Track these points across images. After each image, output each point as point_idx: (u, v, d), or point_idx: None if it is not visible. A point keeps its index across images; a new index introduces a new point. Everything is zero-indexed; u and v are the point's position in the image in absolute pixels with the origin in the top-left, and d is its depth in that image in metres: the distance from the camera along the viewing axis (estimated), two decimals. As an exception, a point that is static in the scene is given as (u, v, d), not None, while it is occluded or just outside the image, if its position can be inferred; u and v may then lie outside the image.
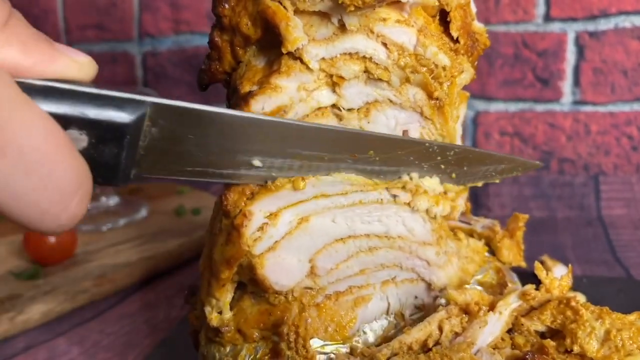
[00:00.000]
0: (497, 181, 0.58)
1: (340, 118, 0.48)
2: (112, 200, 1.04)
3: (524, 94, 1.06)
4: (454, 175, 0.53)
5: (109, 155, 0.36)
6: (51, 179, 0.31)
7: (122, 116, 0.35)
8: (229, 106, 0.49)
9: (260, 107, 0.45)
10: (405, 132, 0.51)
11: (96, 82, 0.37)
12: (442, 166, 0.52)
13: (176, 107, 0.39)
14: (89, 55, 0.36)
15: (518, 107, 1.06)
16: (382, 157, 0.48)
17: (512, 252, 0.64)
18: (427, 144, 0.50)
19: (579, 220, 1.00)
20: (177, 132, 0.40)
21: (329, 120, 0.48)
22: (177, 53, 1.23)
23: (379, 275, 0.53)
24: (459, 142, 0.56)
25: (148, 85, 1.24)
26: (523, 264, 0.65)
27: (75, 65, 0.34)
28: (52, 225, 0.32)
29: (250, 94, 0.46)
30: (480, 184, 0.57)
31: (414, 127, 0.51)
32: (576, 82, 1.03)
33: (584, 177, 1.05)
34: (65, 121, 0.33)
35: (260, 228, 0.47)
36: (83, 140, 0.34)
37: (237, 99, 0.46)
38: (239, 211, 0.47)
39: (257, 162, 0.45)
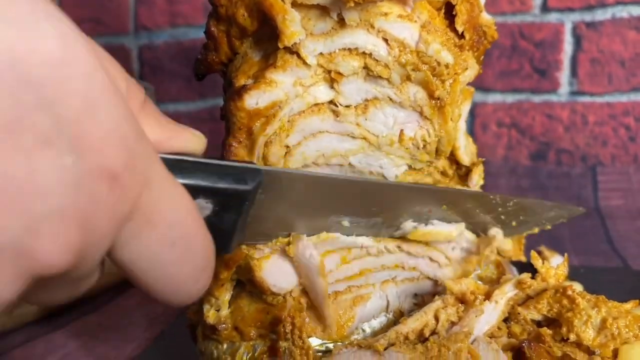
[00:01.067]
0: (548, 227, 0.62)
1: (337, 114, 0.48)
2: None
3: (521, 85, 1.05)
4: (514, 223, 0.57)
5: (228, 222, 0.38)
6: (190, 253, 0.31)
7: (244, 184, 0.37)
8: (225, 98, 0.48)
9: (254, 102, 0.45)
10: (401, 131, 0.50)
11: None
12: (503, 217, 0.55)
13: (287, 174, 0.42)
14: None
15: (515, 98, 1.06)
16: (453, 209, 0.52)
17: (513, 247, 0.64)
18: (491, 197, 0.53)
19: (576, 211, 0.99)
20: (283, 198, 0.42)
21: (325, 117, 0.48)
22: (174, 46, 1.22)
23: (379, 275, 0.53)
24: (462, 139, 0.55)
25: (144, 79, 1.24)
26: (523, 258, 0.64)
27: (195, 139, 0.37)
28: (184, 298, 0.33)
29: (244, 89, 0.45)
30: (536, 230, 0.60)
31: (411, 126, 0.50)
32: (573, 72, 1.02)
33: (582, 168, 1.04)
34: (194, 191, 0.34)
35: None
36: (207, 208, 0.36)
37: (232, 93, 0.46)
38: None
39: (345, 223, 0.47)
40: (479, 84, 1.07)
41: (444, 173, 0.55)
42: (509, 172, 1.06)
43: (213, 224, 0.36)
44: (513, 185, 1.06)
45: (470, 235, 0.56)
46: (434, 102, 0.49)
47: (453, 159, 0.56)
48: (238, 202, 0.37)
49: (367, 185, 0.47)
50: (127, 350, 0.67)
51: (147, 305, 0.77)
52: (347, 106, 0.48)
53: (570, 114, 1.04)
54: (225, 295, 0.49)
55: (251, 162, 0.40)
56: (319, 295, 0.48)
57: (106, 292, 0.81)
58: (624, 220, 0.95)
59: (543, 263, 0.52)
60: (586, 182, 1.03)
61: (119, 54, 1.25)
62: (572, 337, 0.47)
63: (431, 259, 0.54)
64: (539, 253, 0.72)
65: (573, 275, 0.71)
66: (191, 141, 0.37)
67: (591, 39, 1.01)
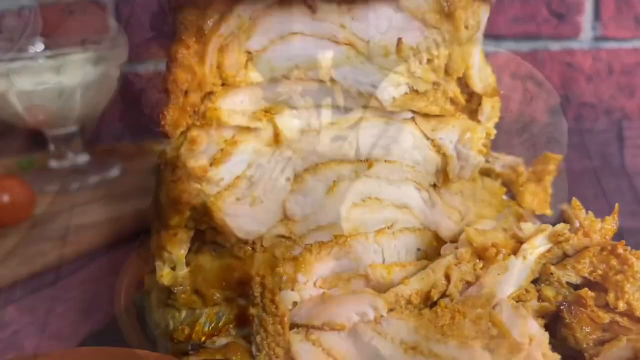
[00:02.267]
0: None
1: (314, 10, 0.38)
2: (81, 158, 0.95)
3: (537, 32, 0.99)
4: None
5: None
6: None
7: None
8: None
9: None
10: (399, 40, 0.40)
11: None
12: None
13: None
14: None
15: (531, 46, 0.99)
16: None
17: (537, 199, 0.55)
18: None
19: (600, 170, 0.93)
20: None
21: (298, 13, 0.37)
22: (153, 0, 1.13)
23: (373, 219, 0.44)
24: (476, 57, 0.46)
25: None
26: (549, 212, 0.57)
27: None
28: None
29: None
30: None
31: (412, 35, 0.41)
32: (596, 15, 0.96)
33: (606, 123, 0.98)
34: None
35: (215, 159, 0.39)
36: None
37: None
38: (182, 134, 0.37)
39: None
40: (488, 31, 0.97)
41: (453, 101, 0.45)
42: (523, 129, 0.97)
43: None
44: (528, 144, 0.97)
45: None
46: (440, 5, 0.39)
47: (465, 87, 0.46)
48: None
49: None
50: (87, 326, 0.60)
51: (113, 277, 0.69)
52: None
53: (593, 62, 0.98)
54: (179, 248, 0.42)
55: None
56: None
57: (72, 262, 0.74)
58: (655, 179, 0.87)
59: (587, 213, 0.42)
60: (611, 138, 0.96)
61: (94, 10, 1.15)
62: (622, 305, 0.38)
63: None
64: (563, 212, 0.63)
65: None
66: None
67: (616, -24, 0.94)
